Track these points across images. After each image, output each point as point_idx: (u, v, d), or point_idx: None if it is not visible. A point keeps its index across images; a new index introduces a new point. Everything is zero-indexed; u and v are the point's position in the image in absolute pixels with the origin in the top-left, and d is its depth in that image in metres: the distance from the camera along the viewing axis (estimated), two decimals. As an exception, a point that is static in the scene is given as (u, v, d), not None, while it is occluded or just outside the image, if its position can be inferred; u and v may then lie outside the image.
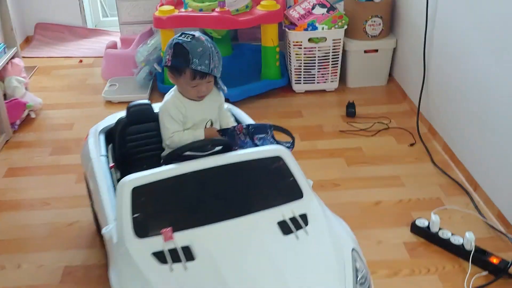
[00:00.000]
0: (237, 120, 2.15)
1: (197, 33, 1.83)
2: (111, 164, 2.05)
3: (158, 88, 3.49)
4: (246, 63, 3.72)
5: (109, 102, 3.47)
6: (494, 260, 2.03)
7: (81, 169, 2.71)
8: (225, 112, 2.03)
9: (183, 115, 1.91)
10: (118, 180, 1.96)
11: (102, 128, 2.20)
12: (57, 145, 3.01)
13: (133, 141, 2.14)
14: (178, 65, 1.82)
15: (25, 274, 2.13)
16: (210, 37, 3.48)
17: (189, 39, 1.80)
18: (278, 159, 1.77)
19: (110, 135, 2.17)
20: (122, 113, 2.16)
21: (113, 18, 4.70)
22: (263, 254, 1.56)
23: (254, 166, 1.76)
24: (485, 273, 2.04)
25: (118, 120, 2.13)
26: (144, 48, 3.47)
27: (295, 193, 1.74)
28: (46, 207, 2.52)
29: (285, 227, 1.64)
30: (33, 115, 3.27)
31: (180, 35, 1.84)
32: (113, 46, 3.89)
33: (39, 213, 2.48)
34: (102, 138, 2.15)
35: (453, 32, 2.70)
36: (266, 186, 1.78)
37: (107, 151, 2.11)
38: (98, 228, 2.22)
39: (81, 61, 4.12)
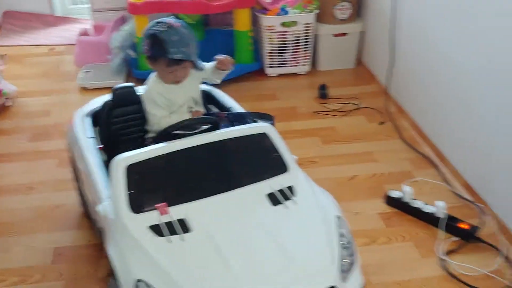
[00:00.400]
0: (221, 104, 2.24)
1: (172, 21, 1.90)
2: (99, 146, 2.11)
3: (133, 74, 3.53)
4: (219, 48, 3.75)
5: (84, 89, 3.49)
6: (464, 226, 2.19)
7: (62, 154, 2.75)
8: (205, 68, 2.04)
9: (166, 99, 1.99)
10: (105, 162, 2.02)
11: (87, 111, 2.24)
12: (36, 132, 3.03)
13: (118, 123, 2.19)
14: (156, 55, 1.91)
15: (17, 256, 2.17)
16: (183, 22, 3.53)
17: (165, 29, 1.87)
18: (263, 136, 1.87)
19: (96, 118, 2.22)
20: (106, 97, 2.21)
21: (81, 5, 4.68)
22: (255, 223, 1.66)
23: (241, 142, 1.85)
24: (456, 238, 2.20)
25: (104, 102, 2.18)
26: (118, 34, 3.50)
27: (281, 167, 1.84)
28: (31, 192, 2.55)
29: (274, 199, 1.74)
30: (9, 103, 3.26)
31: (155, 25, 1.90)
32: (85, 33, 3.90)
33: (24, 198, 2.51)
34: (88, 120, 2.20)
35: (418, 14, 2.84)
36: (254, 161, 1.87)
37: (93, 133, 2.16)
38: (86, 210, 2.28)
39: (51, 48, 4.10)
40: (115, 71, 3.56)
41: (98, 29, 3.92)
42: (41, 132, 3.03)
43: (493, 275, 2.03)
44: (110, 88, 2.20)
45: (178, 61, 1.90)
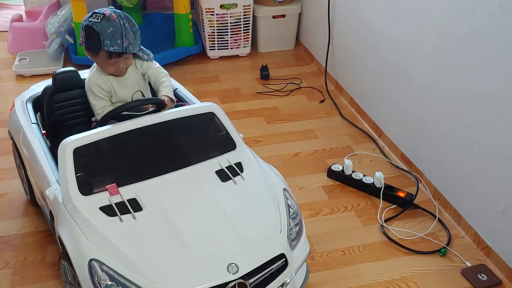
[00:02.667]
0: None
1: (108, 11, 1.86)
2: (43, 132, 2.08)
3: (71, 60, 3.45)
4: (158, 32, 3.76)
5: (21, 76, 3.39)
6: (401, 194, 2.33)
7: (1, 143, 2.69)
8: (159, 76, 2.01)
9: (106, 91, 1.99)
10: (50, 148, 2.01)
11: (28, 97, 2.20)
12: (-28, 122, 2.93)
13: (61, 108, 2.16)
14: (91, 47, 1.89)
15: (-39, 248, 2.13)
16: (120, 8, 3.49)
17: (99, 20, 1.83)
18: (211, 115, 1.91)
19: (37, 104, 2.19)
20: (47, 82, 2.18)
21: (12, -9, 4.51)
22: (206, 199, 1.71)
23: (189, 122, 1.89)
24: (394, 206, 2.33)
25: (44, 88, 2.15)
26: (54, 20, 3.42)
27: (229, 145, 1.90)
28: (-29, 182, 2.48)
29: (223, 175, 1.80)
30: None
31: (91, 15, 1.87)
32: (19, 19, 3.78)
33: (-35, 189, 2.45)
34: (30, 107, 2.16)
35: (354, -5, 2.95)
36: (202, 140, 1.92)
37: (36, 119, 2.13)
38: (32, 196, 2.25)
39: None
40: (52, 57, 3.48)
41: (32, 14, 3.81)
42: (-22, 121, 2.93)
43: (428, 237, 2.18)
44: (48, 75, 2.16)
45: (119, 54, 1.88)
